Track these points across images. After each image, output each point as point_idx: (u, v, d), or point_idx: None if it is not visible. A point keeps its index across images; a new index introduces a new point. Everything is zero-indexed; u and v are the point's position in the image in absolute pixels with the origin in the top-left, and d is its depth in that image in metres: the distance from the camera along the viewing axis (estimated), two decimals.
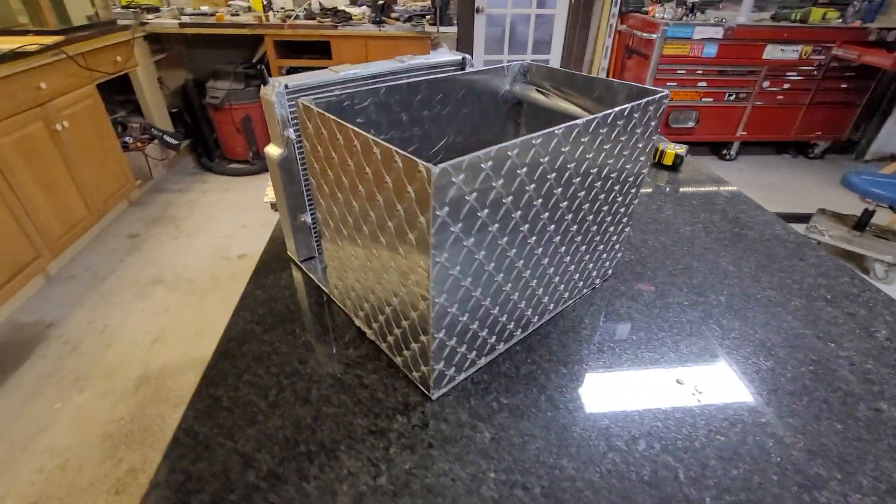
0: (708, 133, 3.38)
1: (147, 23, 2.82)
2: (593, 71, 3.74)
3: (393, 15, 3.10)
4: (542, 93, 0.81)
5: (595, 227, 0.69)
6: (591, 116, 0.54)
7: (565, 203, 0.59)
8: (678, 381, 0.63)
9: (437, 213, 0.43)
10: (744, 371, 0.64)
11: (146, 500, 0.48)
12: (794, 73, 3.15)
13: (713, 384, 0.62)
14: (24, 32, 2.18)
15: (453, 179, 0.42)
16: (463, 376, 0.62)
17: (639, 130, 0.64)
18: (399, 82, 0.67)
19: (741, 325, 0.72)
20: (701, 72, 3.14)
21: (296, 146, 0.72)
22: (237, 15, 3.05)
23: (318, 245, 0.85)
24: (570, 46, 3.74)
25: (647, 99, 0.62)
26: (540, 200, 0.55)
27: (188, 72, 3.39)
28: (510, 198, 0.50)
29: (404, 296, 0.53)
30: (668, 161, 1.25)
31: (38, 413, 1.54)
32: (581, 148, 0.56)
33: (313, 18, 2.99)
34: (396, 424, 0.56)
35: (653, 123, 0.66)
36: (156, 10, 3.07)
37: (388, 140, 0.71)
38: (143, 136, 2.81)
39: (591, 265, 0.75)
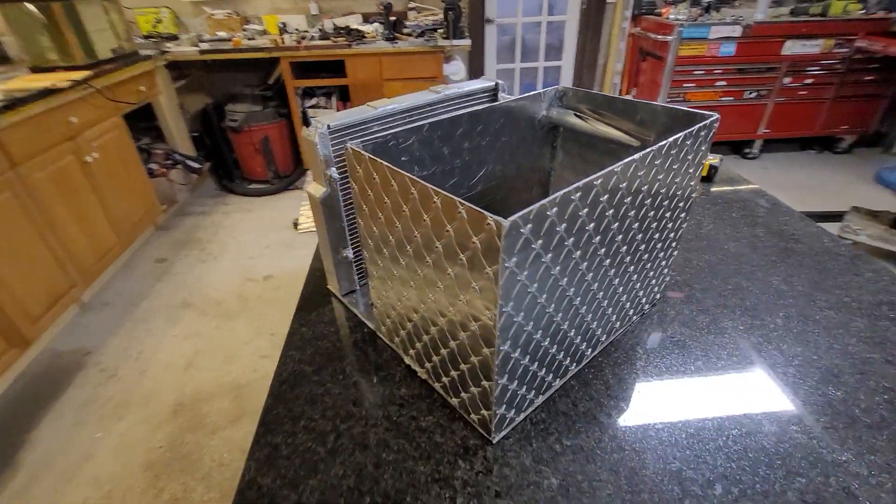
0: (729, 132, 3.32)
1: (168, 51, 2.88)
2: (607, 75, 3.71)
3: (405, 30, 3.13)
4: (580, 117, 0.80)
5: (647, 255, 0.67)
6: (648, 150, 0.53)
7: (620, 236, 0.58)
8: (747, 416, 0.60)
9: (507, 264, 0.42)
10: (814, 402, 0.62)
11: None
12: (817, 68, 3.08)
13: (784, 419, 0.60)
14: (54, 69, 2.25)
15: (521, 230, 0.41)
16: (521, 417, 0.60)
17: (690, 157, 0.63)
18: (441, 118, 0.67)
19: (804, 350, 0.70)
20: (719, 71, 3.09)
21: (338, 185, 0.72)
22: (253, 39, 3.11)
23: (359, 279, 0.84)
24: (582, 51, 3.72)
25: (700, 125, 0.60)
26: (598, 238, 0.54)
27: (207, 96, 3.46)
28: (571, 239, 0.49)
29: (465, 340, 0.53)
30: (702, 172, 1.22)
31: (82, 442, 1.56)
32: (637, 181, 0.55)
33: (327, 38, 3.03)
34: (459, 471, 0.55)
35: (703, 148, 0.64)
36: (175, 38, 3.14)
37: (430, 175, 0.70)
38: (166, 161, 2.87)
39: (640, 291, 0.73)
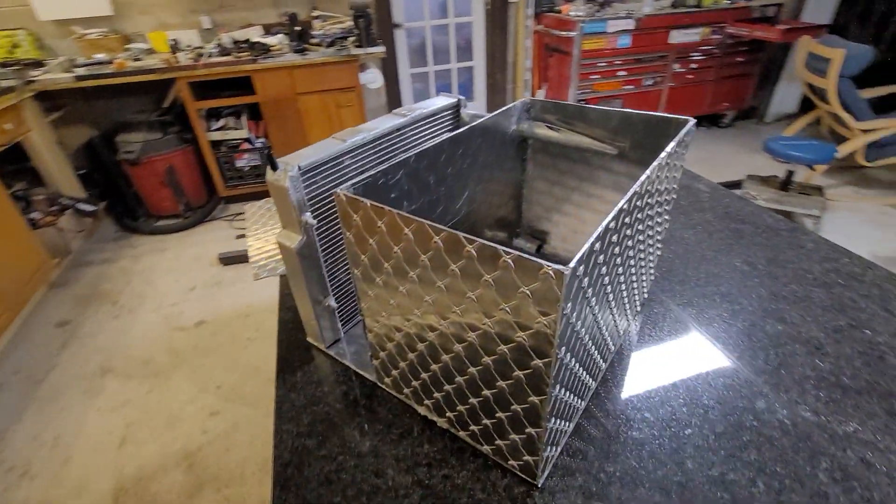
0: None
1: (34, 80, 2.48)
2: (518, 72, 3.83)
3: (313, 41, 2.98)
4: (552, 128, 0.79)
5: (643, 261, 0.68)
6: (656, 162, 0.53)
7: (631, 252, 0.57)
8: (759, 404, 0.63)
9: (565, 312, 0.39)
10: (809, 378, 0.66)
11: None
12: (699, 54, 3.43)
13: (790, 399, 0.63)
14: None
15: (578, 274, 0.38)
16: (558, 451, 0.58)
17: (677, 162, 0.64)
18: (426, 146, 0.62)
19: (785, 328, 0.75)
20: (619, 62, 3.33)
21: (315, 231, 0.64)
22: (140, 59, 2.78)
23: (343, 325, 0.77)
24: (492, 51, 3.81)
25: (686, 130, 0.61)
26: (619, 258, 0.52)
27: (91, 127, 3.04)
28: (605, 267, 0.47)
29: (505, 388, 0.49)
30: None
31: None
32: (647, 193, 0.54)
33: (228, 54, 2.79)
34: None
35: (685, 152, 0.66)
36: (40, 64, 2.71)
37: (418, 208, 0.65)
38: (52, 208, 2.47)
39: (636, 294, 0.74)
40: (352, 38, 2.94)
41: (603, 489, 0.54)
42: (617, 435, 0.60)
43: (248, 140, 2.99)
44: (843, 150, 2.61)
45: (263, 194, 3.24)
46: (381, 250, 0.51)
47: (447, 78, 3.95)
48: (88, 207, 2.68)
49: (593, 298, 0.47)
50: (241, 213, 3.11)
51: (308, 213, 0.62)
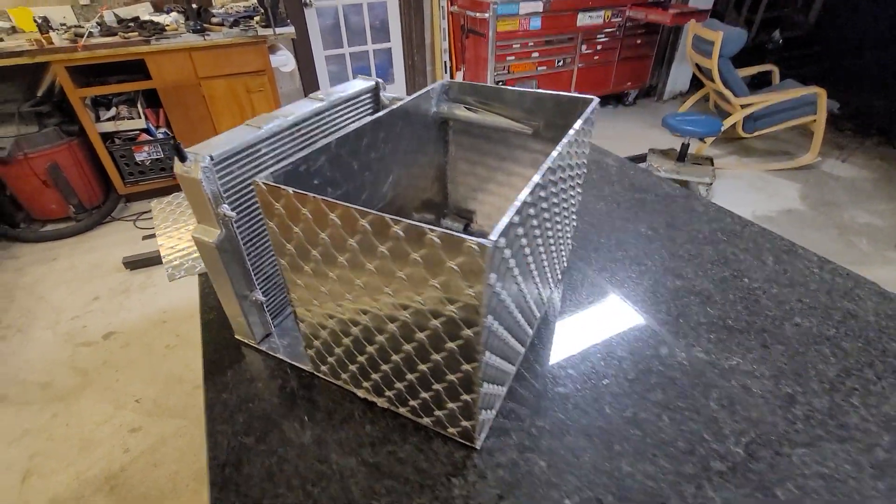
0: None
1: None
2: (436, 53, 3.83)
3: (214, 20, 2.75)
4: (470, 109, 0.82)
5: (560, 231, 0.73)
6: (567, 137, 0.57)
7: (549, 224, 0.62)
8: (662, 351, 0.71)
9: (490, 282, 0.41)
10: (702, 324, 0.76)
11: None
12: (603, 35, 3.64)
13: (687, 343, 0.72)
14: None
15: (500, 246, 0.41)
16: (493, 414, 0.62)
17: (585, 138, 0.69)
18: (347, 131, 0.61)
19: (682, 282, 0.85)
20: (532, 44, 3.44)
21: (234, 223, 0.61)
22: (1, 40, 2.40)
23: (273, 319, 0.75)
24: (408, 31, 3.76)
25: (591, 108, 0.66)
26: (538, 231, 0.56)
27: None
28: (524, 239, 0.51)
29: (440, 361, 0.51)
30: None
31: None
32: (559, 168, 0.58)
33: (114, 34, 2.50)
34: (456, 489, 0.54)
35: (591, 128, 0.72)
36: None
37: (343, 194, 0.65)
38: None
39: (556, 264, 0.79)
40: (257, 18, 2.76)
41: (535, 442, 0.59)
42: (545, 392, 0.65)
43: (146, 131, 2.72)
44: (726, 124, 2.93)
45: (171, 189, 2.98)
46: (307, 238, 0.50)
47: (364, 60, 3.84)
48: None
49: (516, 269, 0.50)
50: (146, 212, 2.84)
51: (225, 206, 0.60)
